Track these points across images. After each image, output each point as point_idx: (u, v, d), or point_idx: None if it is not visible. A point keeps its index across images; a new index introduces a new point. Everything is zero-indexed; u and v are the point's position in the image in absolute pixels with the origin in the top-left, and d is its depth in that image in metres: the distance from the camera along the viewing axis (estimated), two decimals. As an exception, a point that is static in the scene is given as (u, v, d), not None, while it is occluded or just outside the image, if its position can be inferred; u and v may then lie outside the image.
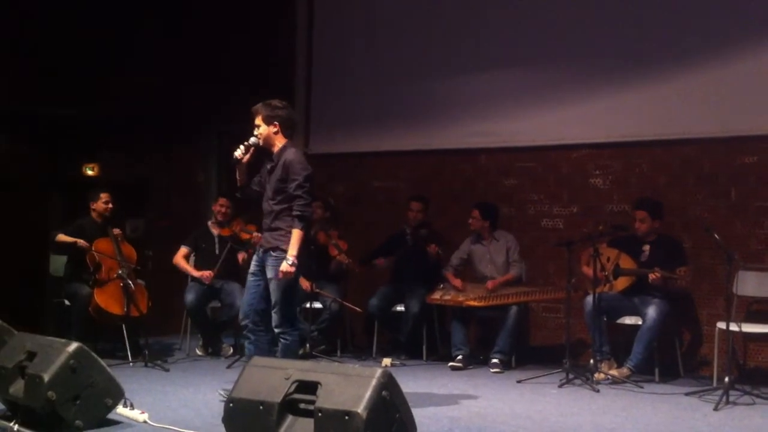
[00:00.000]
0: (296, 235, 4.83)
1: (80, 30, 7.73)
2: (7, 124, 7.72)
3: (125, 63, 8.02)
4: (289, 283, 4.89)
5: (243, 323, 5.05)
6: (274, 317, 4.90)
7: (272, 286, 4.90)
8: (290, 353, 4.91)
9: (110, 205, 6.76)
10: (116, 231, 6.74)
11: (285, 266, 4.79)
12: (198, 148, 8.75)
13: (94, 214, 6.78)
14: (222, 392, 5.06)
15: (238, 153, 4.97)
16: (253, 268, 5.08)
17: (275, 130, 5.00)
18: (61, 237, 6.58)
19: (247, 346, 5.07)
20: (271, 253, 4.90)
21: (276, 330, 4.91)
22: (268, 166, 5.05)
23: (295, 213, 4.86)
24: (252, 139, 4.99)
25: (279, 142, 5.02)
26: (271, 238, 4.94)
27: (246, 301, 5.06)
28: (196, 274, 6.95)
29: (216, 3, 8.29)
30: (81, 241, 6.52)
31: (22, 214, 7.97)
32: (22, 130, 7.97)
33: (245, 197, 5.25)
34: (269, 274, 4.92)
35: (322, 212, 7.16)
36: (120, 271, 6.50)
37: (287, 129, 5.06)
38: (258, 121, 5.00)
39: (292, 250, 4.80)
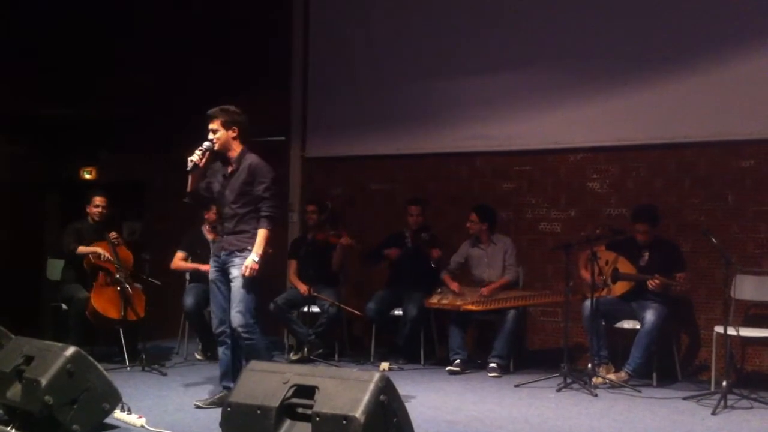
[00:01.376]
0: (263, 234, 4.91)
1: (78, 32, 7.74)
2: (4, 126, 7.72)
3: (123, 65, 8.03)
4: (254, 282, 4.91)
5: (220, 330, 5.02)
6: (237, 317, 4.87)
7: (236, 285, 4.91)
8: (258, 352, 4.86)
9: (103, 210, 6.74)
10: (113, 235, 6.72)
11: (250, 261, 4.84)
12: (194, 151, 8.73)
13: (89, 218, 6.77)
14: (197, 402, 5.08)
15: (196, 158, 4.97)
16: (214, 275, 5.06)
17: (234, 135, 5.04)
18: (82, 249, 6.56)
19: (223, 352, 5.04)
20: (237, 253, 4.93)
21: (240, 329, 4.88)
22: (228, 171, 5.06)
23: (264, 214, 4.94)
24: (206, 144, 5.00)
25: (237, 146, 5.06)
26: (237, 241, 4.97)
27: (219, 308, 5.04)
28: (204, 267, 6.90)
29: (213, 6, 8.29)
30: (102, 251, 6.49)
31: (19, 215, 7.96)
32: (20, 131, 7.97)
33: (194, 202, 5.23)
34: (234, 273, 4.92)
35: (317, 216, 7.16)
36: (117, 275, 6.49)
37: (244, 134, 5.10)
38: (215, 125, 5.02)
39: (258, 249, 4.88)
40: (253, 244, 4.90)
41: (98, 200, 6.75)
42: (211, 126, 5.02)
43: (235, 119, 5.03)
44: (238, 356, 4.96)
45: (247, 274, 4.84)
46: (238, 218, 4.97)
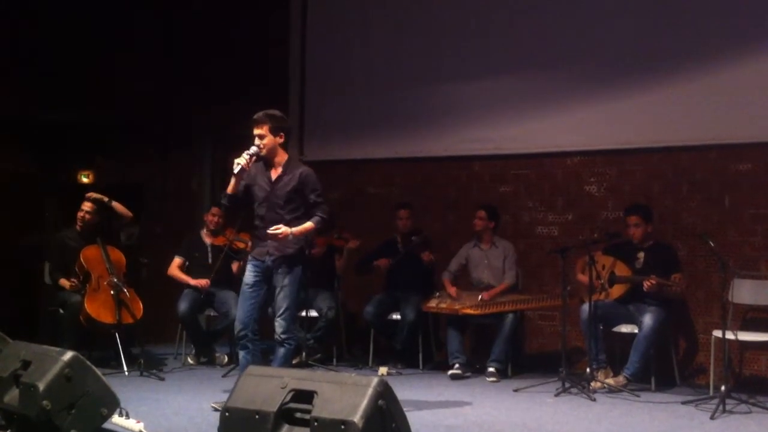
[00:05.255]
0: (308, 224, 4.99)
1: (75, 35, 7.73)
2: (2, 130, 7.72)
3: (120, 69, 8.02)
4: (298, 291, 5.04)
5: (242, 333, 5.03)
6: (282, 324, 4.97)
7: (283, 293, 4.97)
8: (289, 359, 5.10)
9: (86, 215, 6.66)
10: (92, 194, 6.66)
11: (284, 230, 4.88)
12: (193, 154, 8.75)
13: (77, 224, 6.73)
14: (214, 404, 5.06)
15: (243, 162, 4.95)
16: (251, 278, 5.08)
17: (281, 141, 5.07)
18: (63, 282, 6.58)
19: (243, 356, 5.05)
20: (284, 262, 4.98)
21: (283, 336, 4.98)
22: (273, 176, 5.08)
23: (320, 215, 5.02)
24: (253, 149, 5.01)
25: (283, 154, 5.11)
26: (283, 247, 5.00)
27: (245, 312, 5.05)
28: (192, 282, 6.92)
29: (210, 9, 8.30)
30: (70, 283, 6.49)
31: (17, 220, 7.95)
32: (17, 135, 7.97)
33: (231, 204, 5.18)
34: (282, 281, 4.97)
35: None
36: (115, 280, 6.45)
37: (288, 140, 5.17)
38: (263, 131, 5.02)
39: (297, 230, 4.94)
40: (298, 252, 4.99)
41: (86, 206, 6.67)
42: (257, 131, 5.02)
43: (282, 125, 5.08)
44: (257, 361, 4.97)
45: (280, 237, 4.87)
46: (284, 224, 4.98)
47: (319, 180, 5.10)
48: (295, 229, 4.93)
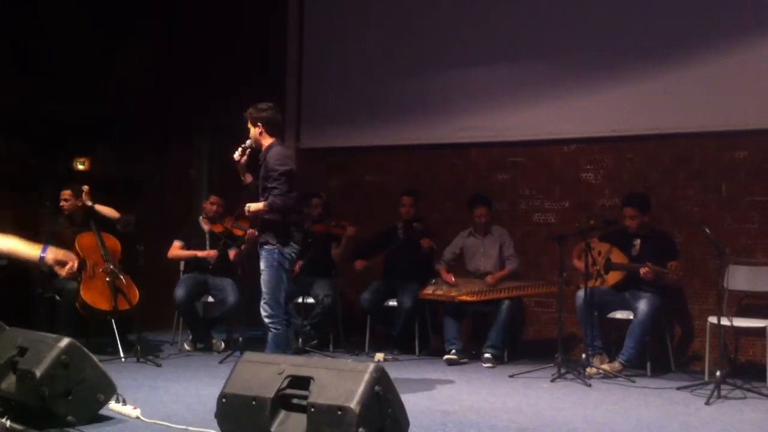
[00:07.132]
0: (260, 204, 5.07)
1: (75, 30, 7.72)
2: (1, 123, 7.71)
3: (119, 62, 8.00)
4: (277, 275, 5.05)
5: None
6: (264, 308, 5.07)
7: (263, 278, 5.08)
8: (280, 343, 5.08)
9: (64, 203, 6.68)
10: (85, 188, 6.66)
11: (248, 205, 5.11)
12: (192, 150, 8.75)
13: (63, 212, 6.77)
14: None
15: (236, 155, 5.21)
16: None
17: (260, 130, 5.22)
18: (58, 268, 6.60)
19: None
20: (265, 246, 5.09)
21: (266, 320, 5.07)
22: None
23: (269, 199, 5.05)
24: (247, 142, 5.25)
25: (265, 141, 5.23)
26: (262, 233, 5.16)
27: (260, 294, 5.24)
28: (201, 254, 6.92)
29: (210, 5, 8.26)
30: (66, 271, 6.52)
31: (15, 210, 7.95)
32: (17, 128, 7.95)
33: (249, 194, 5.35)
34: (260, 266, 5.09)
35: (321, 209, 7.17)
36: (111, 267, 6.45)
37: (271, 128, 5.26)
38: (248, 124, 5.25)
39: (252, 207, 5.08)
40: (273, 237, 5.06)
41: (65, 194, 6.71)
42: (248, 125, 5.25)
43: (260, 116, 5.22)
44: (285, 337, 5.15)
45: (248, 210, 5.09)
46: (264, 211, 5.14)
47: (282, 162, 5.09)
48: (251, 205, 5.10)
